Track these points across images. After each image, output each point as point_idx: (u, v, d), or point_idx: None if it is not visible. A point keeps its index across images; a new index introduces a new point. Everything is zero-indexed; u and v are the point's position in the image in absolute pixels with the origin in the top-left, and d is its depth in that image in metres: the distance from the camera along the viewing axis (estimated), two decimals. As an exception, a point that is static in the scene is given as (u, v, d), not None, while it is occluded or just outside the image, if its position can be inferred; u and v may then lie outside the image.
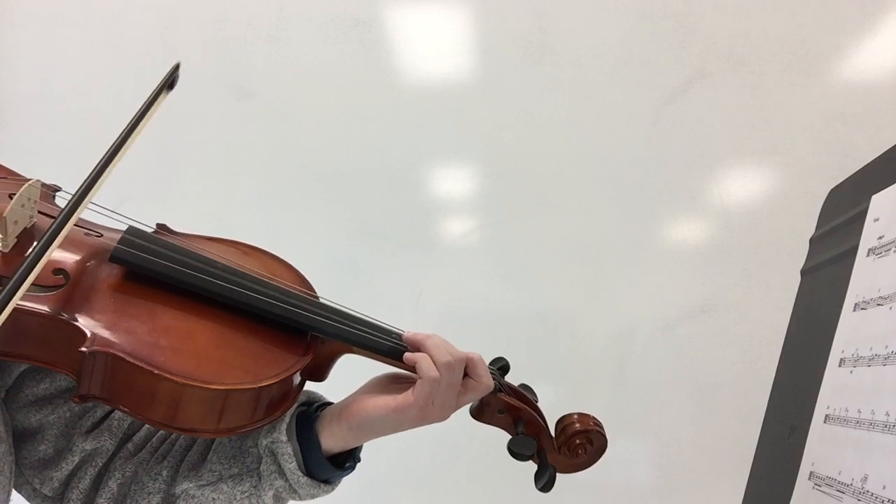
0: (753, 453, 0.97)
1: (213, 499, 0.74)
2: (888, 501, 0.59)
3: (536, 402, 0.85)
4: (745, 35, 1.79)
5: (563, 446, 0.82)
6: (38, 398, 0.75)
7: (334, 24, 1.87)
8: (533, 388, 0.87)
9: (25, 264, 0.53)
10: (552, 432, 0.83)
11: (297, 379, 0.73)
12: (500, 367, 0.86)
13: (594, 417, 0.84)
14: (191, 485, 0.74)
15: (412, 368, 0.74)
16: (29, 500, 0.77)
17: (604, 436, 0.82)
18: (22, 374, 0.75)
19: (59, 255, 0.67)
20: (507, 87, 1.83)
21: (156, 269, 0.69)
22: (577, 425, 0.82)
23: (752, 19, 1.79)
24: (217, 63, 1.88)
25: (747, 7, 1.80)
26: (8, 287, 0.51)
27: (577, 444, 0.82)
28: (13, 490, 0.75)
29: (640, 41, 1.81)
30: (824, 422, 0.76)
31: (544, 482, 0.78)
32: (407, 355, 0.73)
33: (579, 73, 1.82)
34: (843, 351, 0.76)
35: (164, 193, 1.87)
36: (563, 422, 0.84)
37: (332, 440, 0.74)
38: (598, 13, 1.83)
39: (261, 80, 1.88)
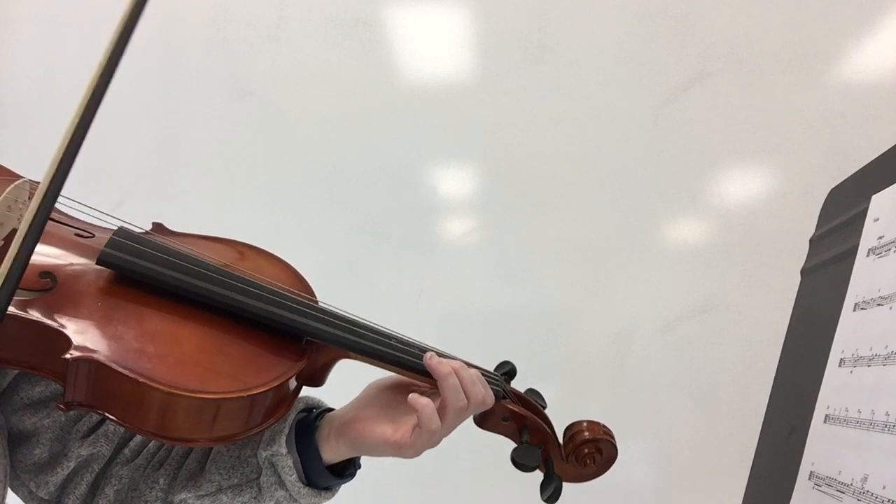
0: (753, 453, 0.97)
1: None
2: (888, 501, 0.59)
3: (544, 407, 0.83)
4: (745, 35, 1.79)
5: (571, 455, 0.80)
6: (34, 401, 0.75)
7: (334, 24, 1.87)
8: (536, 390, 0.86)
9: (6, 270, 0.49)
10: (560, 440, 0.81)
11: (292, 385, 0.71)
12: (506, 371, 0.84)
13: (605, 426, 0.81)
14: (189, 495, 0.74)
15: (419, 381, 0.74)
16: (25, 502, 0.77)
17: (614, 445, 0.80)
18: (17, 377, 0.75)
19: (47, 257, 0.65)
20: (507, 87, 1.83)
21: (144, 273, 0.66)
22: (587, 433, 0.80)
23: (752, 19, 1.79)
24: (217, 63, 1.88)
25: (747, 7, 1.80)
26: None
27: (586, 453, 0.79)
28: (11, 491, 0.75)
29: (640, 41, 1.81)
30: (824, 422, 0.76)
31: (550, 493, 0.76)
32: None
33: (579, 73, 1.82)
34: (843, 351, 0.76)
35: (163, 193, 1.87)
36: (571, 429, 0.81)
37: (331, 453, 0.74)
38: (598, 13, 1.83)
39: (261, 80, 1.88)
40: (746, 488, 0.96)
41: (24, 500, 0.77)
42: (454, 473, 1.75)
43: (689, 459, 1.72)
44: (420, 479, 1.77)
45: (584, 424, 0.81)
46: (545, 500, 0.77)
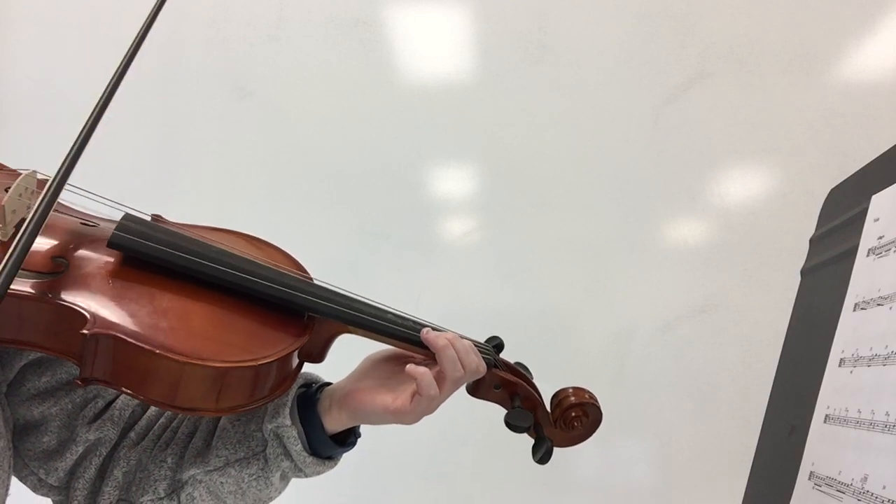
0: (753, 453, 0.97)
1: (222, 482, 0.76)
2: (888, 501, 0.59)
3: (532, 378, 0.86)
4: (745, 35, 1.79)
5: (559, 420, 0.84)
6: (40, 391, 0.76)
7: (334, 24, 1.87)
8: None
9: (18, 244, 0.52)
10: (548, 407, 0.85)
11: (295, 360, 0.74)
12: (495, 345, 0.88)
13: (589, 391, 0.85)
14: (198, 471, 0.76)
15: (414, 352, 0.77)
16: (34, 490, 0.78)
17: (598, 408, 0.84)
18: (23, 368, 0.76)
19: (58, 243, 0.67)
20: (507, 87, 1.83)
21: (152, 254, 0.69)
22: (573, 398, 0.84)
23: (752, 19, 1.79)
24: (217, 63, 1.88)
25: (747, 7, 1.80)
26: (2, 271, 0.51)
27: (573, 416, 0.83)
28: (17, 479, 0.76)
29: (640, 41, 1.81)
30: (824, 422, 0.76)
31: (541, 454, 0.80)
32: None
33: (579, 73, 1.82)
34: (843, 351, 0.76)
35: (163, 193, 1.87)
36: (558, 396, 0.85)
37: (333, 423, 0.77)
38: (598, 13, 1.83)
39: (261, 80, 1.88)
40: (746, 488, 0.96)
41: (32, 489, 0.78)
42: (454, 472, 1.74)
43: (689, 459, 1.72)
44: (420, 478, 1.77)
45: (570, 390, 0.85)
46: (538, 461, 0.80)
